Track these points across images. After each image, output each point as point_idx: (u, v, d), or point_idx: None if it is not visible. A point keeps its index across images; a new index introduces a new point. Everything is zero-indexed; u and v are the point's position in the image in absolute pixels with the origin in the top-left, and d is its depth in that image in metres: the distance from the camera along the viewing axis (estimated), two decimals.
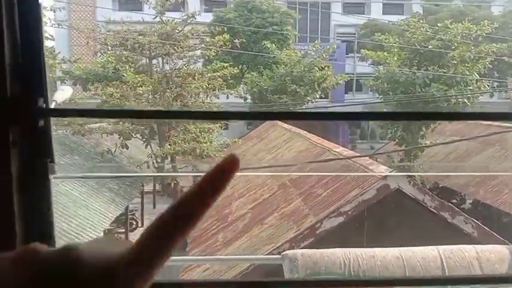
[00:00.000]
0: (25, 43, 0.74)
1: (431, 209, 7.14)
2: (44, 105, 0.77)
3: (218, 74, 15.06)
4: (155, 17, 15.30)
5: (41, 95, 0.76)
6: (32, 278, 0.36)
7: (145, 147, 15.23)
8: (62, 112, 0.87)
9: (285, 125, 17.23)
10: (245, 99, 21.29)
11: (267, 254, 7.00)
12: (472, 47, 15.75)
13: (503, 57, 18.96)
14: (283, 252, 2.33)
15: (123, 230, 14.63)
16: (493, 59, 16.22)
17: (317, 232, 7.04)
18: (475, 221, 7.28)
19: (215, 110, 15.32)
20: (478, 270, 2.23)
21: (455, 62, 15.19)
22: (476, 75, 15.01)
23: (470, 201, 16.67)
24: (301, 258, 2.26)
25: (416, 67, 15.13)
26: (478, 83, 15.27)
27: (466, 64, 15.22)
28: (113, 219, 12.04)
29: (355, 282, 1.14)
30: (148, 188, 18.50)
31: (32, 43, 0.75)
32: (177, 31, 14.98)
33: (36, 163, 0.76)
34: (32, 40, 0.75)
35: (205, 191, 0.42)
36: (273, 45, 21.04)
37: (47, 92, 0.77)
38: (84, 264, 0.36)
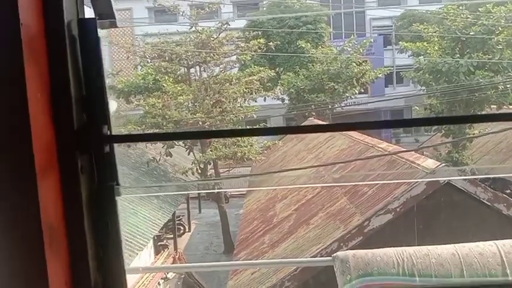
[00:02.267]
0: (88, 76, 0.80)
1: (485, 201, 6.85)
2: (108, 132, 0.82)
3: (255, 77, 15.16)
4: (191, 27, 15.62)
5: (105, 122, 0.82)
6: None
7: (188, 154, 15.55)
8: (125, 138, 0.92)
9: (325, 124, 17.06)
10: (283, 100, 21.30)
11: (315, 254, 6.96)
12: None
13: None
14: (334, 254, 2.32)
15: (172, 236, 14.98)
16: None
17: (365, 231, 6.92)
18: None
19: (253, 113, 15.42)
20: None
21: (500, 47, 14.49)
22: None
23: None
24: (353, 260, 2.24)
25: (459, 55, 14.56)
26: None
27: None
28: (161, 225, 12.35)
29: None
30: (193, 193, 18.87)
31: (94, 76, 0.81)
32: (212, 39, 15.22)
33: (103, 187, 0.81)
34: (94, 73, 0.81)
35: None
36: (308, 44, 20.93)
37: (110, 120, 0.82)
38: None
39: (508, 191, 15.31)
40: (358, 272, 2.22)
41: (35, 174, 0.72)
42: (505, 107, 15.48)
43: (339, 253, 2.33)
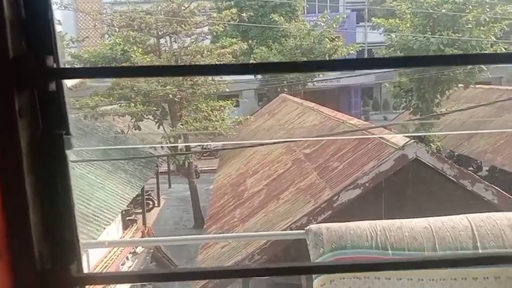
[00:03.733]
0: None
1: (451, 178, 7.00)
2: (55, 65, 0.64)
3: (227, 50, 14.84)
4: None
5: (50, 53, 0.63)
6: None
7: (158, 128, 15.23)
8: (75, 72, 0.74)
9: (297, 99, 17.03)
10: (255, 75, 21.01)
11: (285, 229, 6.99)
12: (488, 9, 15.21)
13: None
14: (307, 227, 2.26)
15: (141, 211, 14.81)
16: (510, 21, 15.66)
17: (334, 205, 6.98)
18: (495, 187, 7.14)
19: (225, 87, 15.18)
20: (511, 237, 2.14)
21: (470, 26, 14.70)
22: (493, 38, 14.52)
23: (487, 168, 16.46)
24: (326, 233, 2.19)
25: (430, 33, 14.68)
26: (494, 47, 14.79)
27: (482, 27, 14.72)
28: (130, 200, 12.16)
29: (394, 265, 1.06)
30: (163, 168, 18.64)
31: None
32: (183, 8, 14.73)
33: (50, 135, 0.65)
34: None
35: None
36: (281, 18, 20.64)
37: (57, 50, 0.64)
38: None
39: (471, 168, 15.87)
40: (331, 245, 2.18)
41: None
42: (471, 86, 15.85)
43: (312, 226, 2.28)
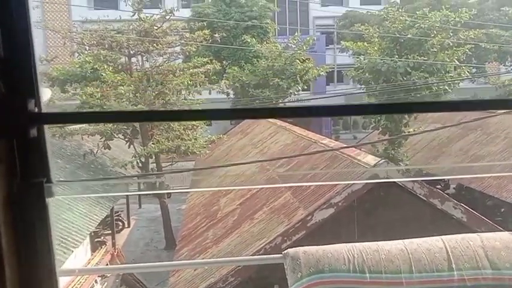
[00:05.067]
0: (10, 34, 0.57)
1: (421, 197, 7.16)
2: (36, 110, 0.59)
3: (200, 69, 14.86)
4: (133, 15, 14.99)
5: (32, 96, 0.59)
6: None
7: (128, 147, 14.98)
8: (59, 117, 0.67)
9: (270, 119, 17.16)
10: (227, 94, 21.12)
11: (259, 249, 6.93)
12: (451, 34, 15.90)
13: (481, 43, 19.23)
14: (285, 251, 2.25)
15: (110, 232, 14.38)
16: (472, 46, 16.42)
17: (308, 225, 7.00)
18: (464, 206, 7.34)
19: (198, 106, 15.15)
20: (484, 258, 2.19)
21: (435, 50, 15.32)
22: (456, 61, 15.17)
23: (454, 186, 16.94)
24: (304, 256, 2.18)
25: (397, 56, 15.20)
26: (458, 70, 15.42)
27: (446, 51, 15.36)
28: (99, 221, 11.80)
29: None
30: (133, 188, 18.27)
31: (19, 34, 0.57)
32: (155, 28, 14.72)
33: (29, 184, 0.59)
34: (18, 30, 0.57)
35: None
36: (253, 39, 20.91)
37: (39, 93, 0.59)
38: None
39: (438, 186, 16.29)
40: (309, 270, 2.17)
41: None
42: None
43: (290, 250, 2.27)
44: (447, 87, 15.10)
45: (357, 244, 2.29)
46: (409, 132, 15.22)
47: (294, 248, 2.31)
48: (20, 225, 0.60)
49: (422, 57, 14.95)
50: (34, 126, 0.61)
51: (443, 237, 2.32)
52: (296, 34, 21.79)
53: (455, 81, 15.39)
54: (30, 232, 0.60)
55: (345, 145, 9.92)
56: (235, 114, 0.71)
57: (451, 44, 15.40)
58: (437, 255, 2.21)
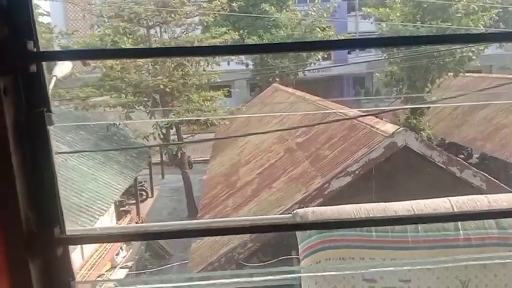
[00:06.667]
0: None
1: (440, 164, 7.10)
2: (35, 49, 0.71)
3: (218, 40, 14.79)
4: None
5: (30, 38, 0.70)
6: None
7: (150, 119, 15.20)
8: (54, 55, 0.81)
9: (289, 89, 17.06)
10: (246, 65, 21.01)
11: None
12: None
13: (509, 7, 18.43)
14: (294, 211, 2.32)
15: (134, 201, 14.83)
16: (499, 10, 15.76)
17: (325, 193, 7.07)
18: (484, 174, 7.25)
19: (217, 77, 15.16)
20: (492, 220, 2.21)
21: (459, 15, 14.77)
22: (482, 27, 14.62)
23: (477, 155, 16.65)
24: (312, 216, 2.25)
25: (420, 22, 14.74)
26: None
27: (471, 16, 14.80)
28: (123, 191, 12.17)
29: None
30: (155, 159, 18.63)
31: None
32: None
33: (33, 113, 0.71)
34: None
35: None
36: (272, 7, 20.56)
37: (37, 35, 0.71)
38: None
39: (461, 156, 16.05)
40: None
41: None
42: (460, 74, 15.97)
43: (299, 210, 2.34)
44: (471, 54, 14.62)
45: (364, 204, 2.35)
46: (431, 100, 14.94)
47: (303, 208, 2.39)
48: (27, 147, 0.73)
49: (446, 23, 14.46)
50: (33, 63, 0.72)
51: (451, 198, 2.35)
52: (316, 1, 21.30)
53: (480, 48, 14.88)
54: (36, 152, 0.74)
55: (363, 113, 9.83)
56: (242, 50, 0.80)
57: (476, 9, 14.81)
58: None
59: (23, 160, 0.70)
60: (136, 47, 14.36)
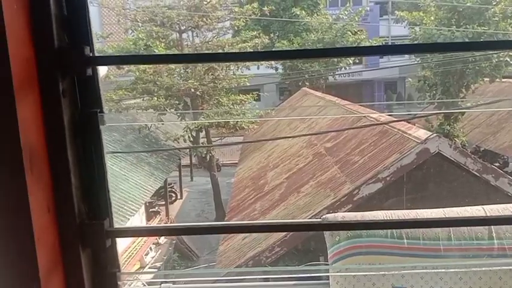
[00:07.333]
0: None
1: (474, 172, 6.92)
2: (91, 54, 0.77)
3: (248, 44, 14.90)
4: None
5: (87, 44, 0.77)
6: None
7: (180, 121, 15.45)
8: (109, 59, 0.88)
9: (318, 93, 16.98)
10: (276, 69, 21.04)
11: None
12: None
13: None
14: (323, 216, 2.32)
15: (163, 203, 15.08)
16: None
17: (354, 199, 7.00)
18: None
19: (246, 81, 15.26)
20: None
21: (496, 19, 14.34)
22: None
23: None
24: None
25: (455, 26, 14.39)
26: None
27: (509, 20, 14.34)
28: (153, 192, 12.41)
29: None
30: (185, 161, 18.91)
31: None
32: (205, 3, 14.85)
33: (87, 113, 0.77)
34: None
35: None
36: (303, 11, 20.54)
37: (93, 42, 0.78)
38: None
39: (496, 164, 15.53)
40: (347, 234, 2.24)
41: (12, 89, 0.68)
42: (497, 80, 15.49)
43: (328, 215, 2.34)
44: (508, 59, 14.15)
45: (395, 211, 2.32)
46: (466, 106, 14.54)
47: (332, 214, 2.38)
48: (81, 145, 0.79)
49: (483, 27, 14.06)
50: (89, 67, 0.79)
51: (485, 206, 2.30)
52: (348, 5, 21.15)
53: None
54: (89, 149, 0.81)
55: (395, 119, 9.67)
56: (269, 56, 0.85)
57: None
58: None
59: (78, 156, 0.76)
60: (169, 52, 14.65)
